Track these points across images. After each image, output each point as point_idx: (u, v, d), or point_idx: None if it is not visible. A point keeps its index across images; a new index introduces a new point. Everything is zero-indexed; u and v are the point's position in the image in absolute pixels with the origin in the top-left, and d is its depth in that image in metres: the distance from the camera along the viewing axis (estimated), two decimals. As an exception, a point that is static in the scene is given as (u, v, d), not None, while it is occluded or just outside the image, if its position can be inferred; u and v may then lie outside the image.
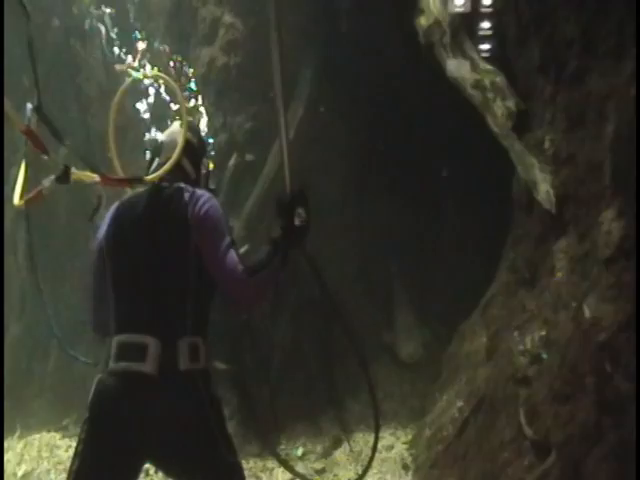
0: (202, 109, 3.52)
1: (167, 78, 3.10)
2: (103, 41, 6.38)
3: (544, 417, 3.42)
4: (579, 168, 3.57)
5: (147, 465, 4.72)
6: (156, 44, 5.31)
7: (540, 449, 3.42)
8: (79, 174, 2.38)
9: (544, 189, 3.87)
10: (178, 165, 2.78)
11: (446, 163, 6.40)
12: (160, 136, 3.04)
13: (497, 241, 4.94)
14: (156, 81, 3.26)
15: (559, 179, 3.76)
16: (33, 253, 2.74)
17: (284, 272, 2.54)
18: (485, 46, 4.52)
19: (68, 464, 2.49)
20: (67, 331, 3.01)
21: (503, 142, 4.27)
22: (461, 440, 4.41)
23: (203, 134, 3.19)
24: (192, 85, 3.47)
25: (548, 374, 3.52)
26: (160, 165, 2.83)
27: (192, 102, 3.43)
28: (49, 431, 6.14)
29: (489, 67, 4.45)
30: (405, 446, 5.32)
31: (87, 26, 6.48)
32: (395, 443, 5.38)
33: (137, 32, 3.60)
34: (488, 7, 4.41)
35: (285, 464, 4.78)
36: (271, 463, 5.16)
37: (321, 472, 5.15)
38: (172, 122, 3.17)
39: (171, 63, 3.42)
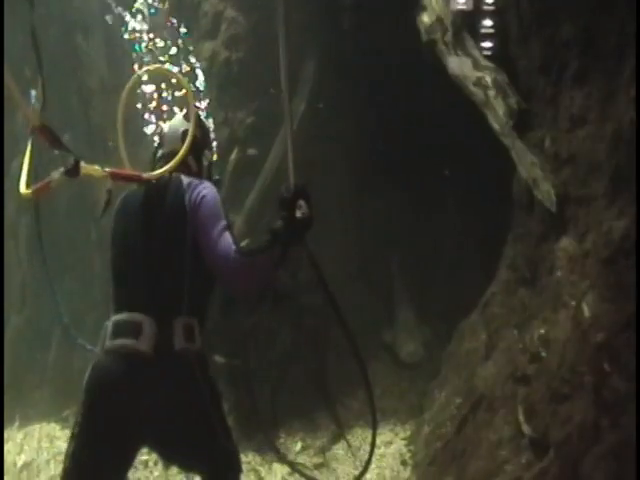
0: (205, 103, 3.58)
1: (176, 74, 3.15)
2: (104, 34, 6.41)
3: (543, 415, 3.43)
4: (580, 167, 3.58)
5: (146, 457, 4.77)
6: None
7: (538, 447, 3.43)
8: (88, 168, 2.41)
9: (545, 188, 3.88)
10: (175, 154, 2.82)
11: (447, 161, 6.40)
12: (164, 127, 3.10)
13: (497, 240, 4.94)
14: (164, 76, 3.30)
15: (560, 178, 3.77)
16: (42, 242, 2.78)
17: (284, 265, 2.57)
18: (487, 44, 4.53)
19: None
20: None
21: (504, 140, 4.27)
22: (460, 437, 4.42)
23: (205, 126, 3.22)
24: (200, 85, 3.54)
25: (547, 373, 3.53)
26: (163, 156, 2.94)
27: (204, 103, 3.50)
28: (49, 422, 6.16)
29: (491, 65, 4.46)
30: (404, 442, 5.34)
31: (88, 19, 6.49)
32: (394, 439, 5.40)
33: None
34: (490, 5, 4.41)
35: (284, 459, 4.82)
36: (270, 457, 5.18)
37: (320, 467, 5.17)
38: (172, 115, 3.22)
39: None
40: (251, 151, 5.85)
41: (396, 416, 5.77)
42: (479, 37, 4.55)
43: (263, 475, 5.05)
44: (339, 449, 5.42)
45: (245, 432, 4.89)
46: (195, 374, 2.51)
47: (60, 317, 2.98)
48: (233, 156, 5.79)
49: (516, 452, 3.61)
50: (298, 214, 2.49)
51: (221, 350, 5.13)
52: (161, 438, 2.63)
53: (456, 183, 6.43)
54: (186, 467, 3.20)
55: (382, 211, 6.66)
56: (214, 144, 3.31)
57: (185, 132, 2.92)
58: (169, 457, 2.97)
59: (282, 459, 4.82)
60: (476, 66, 4.49)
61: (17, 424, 6.17)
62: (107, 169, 2.51)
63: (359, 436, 5.52)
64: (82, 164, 2.36)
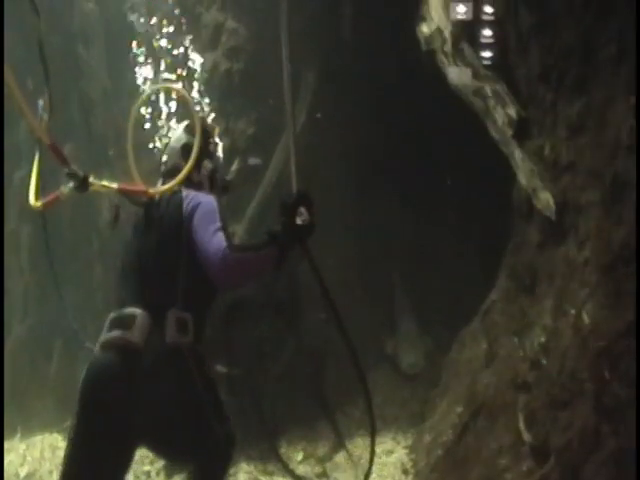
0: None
1: (182, 90, 3.24)
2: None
3: (543, 422, 3.44)
4: (579, 175, 3.58)
5: (148, 467, 4.76)
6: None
7: (539, 454, 3.43)
8: (96, 184, 2.50)
9: (544, 196, 3.89)
10: (178, 170, 2.90)
11: (447, 170, 6.41)
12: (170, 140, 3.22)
13: (497, 247, 4.96)
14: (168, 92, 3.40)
15: (559, 186, 3.78)
16: (50, 251, 2.91)
17: (282, 269, 2.65)
18: (486, 54, 4.54)
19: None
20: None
21: (503, 149, 4.29)
22: (460, 445, 4.42)
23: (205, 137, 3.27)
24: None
25: (547, 380, 3.53)
26: (167, 171, 3.10)
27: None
28: (52, 432, 6.15)
29: (490, 74, 4.48)
30: (405, 451, 5.33)
31: (90, 30, 6.53)
32: (395, 448, 5.39)
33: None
34: (489, 15, 4.43)
35: (286, 468, 4.81)
36: (271, 466, 5.18)
37: (321, 476, 5.17)
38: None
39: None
40: (254, 160, 5.87)
41: (397, 424, 5.77)
42: (478, 47, 4.57)
43: (265, 484, 5.06)
44: (341, 458, 5.41)
45: (248, 441, 4.90)
46: (187, 369, 2.57)
47: (70, 323, 3.07)
48: (234, 167, 5.81)
49: (517, 459, 3.61)
50: (298, 221, 2.54)
51: (222, 360, 5.14)
52: (153, 430, 2.66)
53: (456, 192, 6.45)
54: (176, 460, 3.24)
55: (383, 221, 6.66)
56: (219, 153, 3.38)
57: (185, 146, 3.04)
58: (160, 451, 2.99)
59: (285, 468, 4.83)
60: (476, 76, 4.51)
61: (19, 435, 6.16)
62: (115, 185, 2.59)
63: (360, 445, 5.51)
64: (91, 179, 2.45)
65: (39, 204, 2.45)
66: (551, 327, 3.70)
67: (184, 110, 3.36)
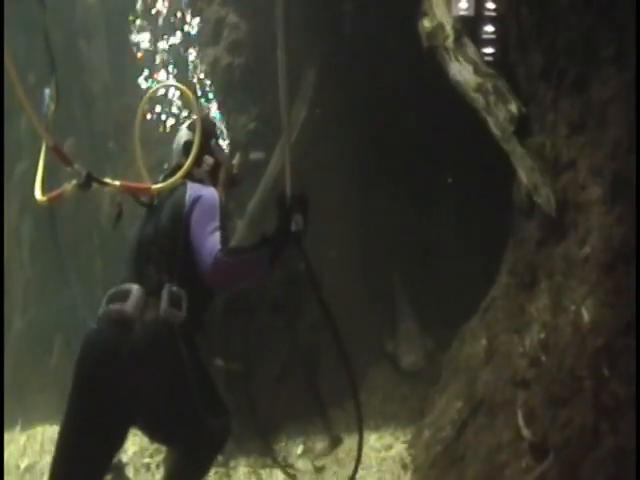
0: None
1: (183, 88, 3.26)
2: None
3: (542, 419, 3.44)
4: (580, 173, 3.59)
5: (148, 460, 4.76)
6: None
7: (538, 451, 3.43)
8: (99, 181, 2.53)
9: (544, 193, 3.89)
10: (180, 168, 2.93)
11: (447, 167, 6.41)
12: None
13: (498, 244, 4.96)
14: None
15: (560, 184, 3.78)
16: (59, 244, 2.98)
17: (275, 272, 2.69)
18: (488, 50, 4.55)
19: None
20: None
21: (504, 146, 4.28)
22: (460, 441, 4.43)
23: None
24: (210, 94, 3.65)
25: (546, 377, 3.54)
26: (171, 168, 3.16)
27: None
28: (52, 425, 6.14)
29: (491, 71, 4.48)
30: (404, 446, 5.34)
31: (91, 24, 6.53)
32: (394, 443, 5.41)
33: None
34: (491, 12, 4.43)
35: (279, 464, 4.84)
36: (271, 461, 5.19)
37: (321, 470, 5.18)
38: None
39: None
40: (256, 155, 5.86)
41: (397, 420, 5.78)
42: (480, 43, 4.58)
43: (264, 478, 5.07)
44: (340, 452, 5.42)
45: (247, 435, 4.91)
46: (178, 343, 2.60)
47: (78, 312, 3.14)
48: (235, 161, 5.81)
49: (516, 456, 3.61)
50: (293, 227, 2.59)
51: (220, 354, 5.15)
52: (140, 405, 2.68)
53: (456, 188, 6.45)
54: (161, 441, 3.27)
55: (383, 219, 6.66)
56: (224, 148, 3.41)
57: (186, 143, 3.08)
58: (147, 430, 3.00)
59: (278, 464, 4.87)
60: (477, 72, 4.50)
61: (20, 427, 6.18)
62: (118, 182, 2.62)
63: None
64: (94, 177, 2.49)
65: (45, 199, 2.48)
66: (551, 324, 3.70)
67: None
